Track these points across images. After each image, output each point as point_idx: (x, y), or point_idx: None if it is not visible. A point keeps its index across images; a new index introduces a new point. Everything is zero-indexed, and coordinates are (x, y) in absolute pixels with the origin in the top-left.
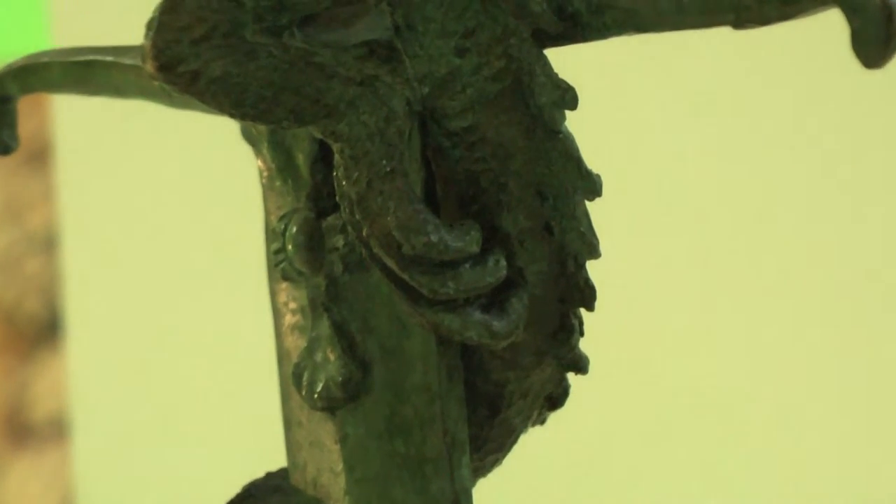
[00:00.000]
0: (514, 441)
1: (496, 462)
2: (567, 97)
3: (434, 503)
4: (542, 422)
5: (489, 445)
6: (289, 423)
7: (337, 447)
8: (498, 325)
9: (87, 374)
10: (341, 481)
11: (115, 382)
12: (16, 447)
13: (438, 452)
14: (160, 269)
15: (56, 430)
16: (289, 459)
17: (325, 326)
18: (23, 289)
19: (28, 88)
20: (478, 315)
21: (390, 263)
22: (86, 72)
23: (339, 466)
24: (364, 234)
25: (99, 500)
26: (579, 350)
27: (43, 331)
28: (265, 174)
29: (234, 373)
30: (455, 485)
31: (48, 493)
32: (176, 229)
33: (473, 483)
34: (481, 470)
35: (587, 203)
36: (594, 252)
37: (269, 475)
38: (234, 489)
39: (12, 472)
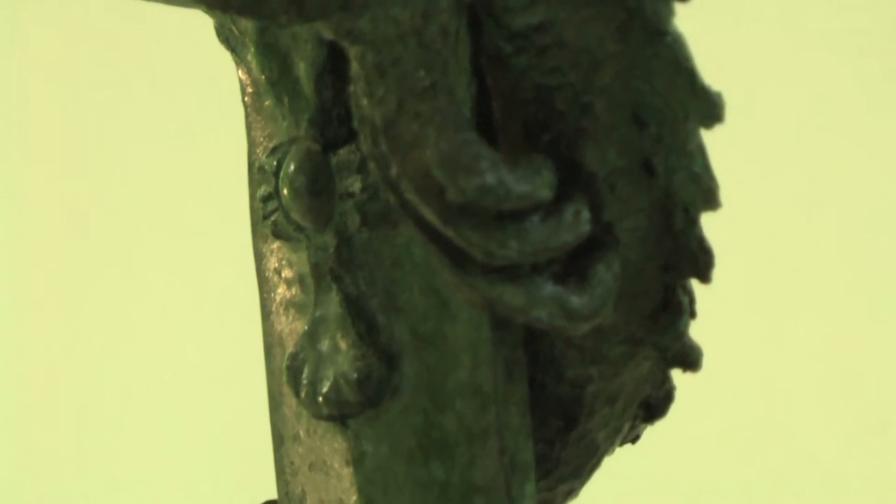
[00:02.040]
0: (597, 465)
1: (571, 493)
2: None
3: None
4: (636, 438)
5: (562, 469)
6: (280, 439)
7: (349, 471)
8: (577, 301)
9: None
10: None
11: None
12: None
13: (492, 479)
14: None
15: None
16: (279, 488)
17: (333, 303)
18: None
19: None
20: (549, 288)
21: (429, 214)
22: None
23: (353, 498)
24: (392, 173)
25: None
26: (689, 338)
27: None
28: (249, 90)
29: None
30: None
31: None
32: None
33: None
34: (551, 503)
35: (703, 133)
36: (712, 201)
37: None
38: None
39: None
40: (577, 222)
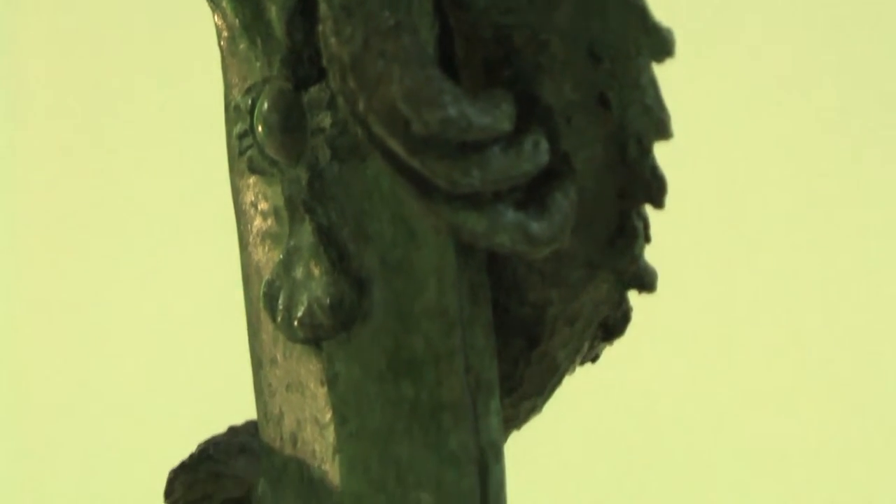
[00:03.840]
0: (558, 382)
1: (533, 409)
2: None
3: (452, 462)
4: (595, 358)
5: (525, 387)
6: (259, 363)
7: (323, 390)
8: (537, 226)
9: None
10: (330, 435)
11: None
12: None
13: (458, 396)
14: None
15: None
16: (258, 409)
17: (307, 233)
18: None
19: None
20: (510, 214)
21: (395, 146)
22: None
23: (328, 416)
24: (360, 108)
25: None
26: (644, 261)
27: None
28: (225, 34)
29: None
30: (480, 437)
31: None
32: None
33: (505, 437)
34: (514, 420)
35: (654, 67)
36: (664, 131)
37: (232, 430)
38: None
39: None
40: (535, 152)
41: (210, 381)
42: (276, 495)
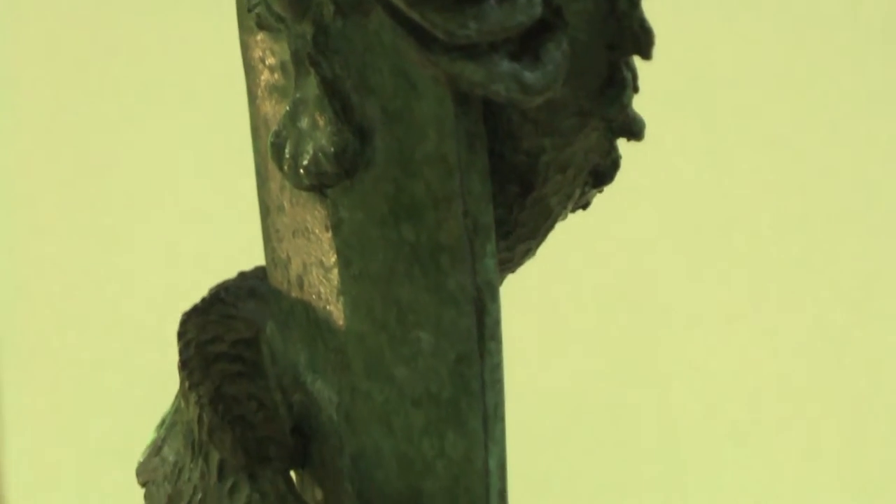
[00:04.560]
0: (551, 227)
1: (528, 252)
2: None
3: (451, 301)
4: (586, 205)
5: (520, 231)
6: (267, 210)
7: (328, 235)
8: (531, 76)
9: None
10: (334, 278)
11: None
12: None
13: (457, 239)
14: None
15: None
16: (267, 255)
17: (312, 85)
18: None
19: None
20: (505, 64)
21: (395, 0)
22: None
23: (332, 259)
24: None
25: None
26: (632, 110)
27: None
28: None
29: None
30: (477, 278)
31: None
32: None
33: (501, 278)
34: (510, 262)
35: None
36: None
37: (242, 275)
38: None
39: None
40: (529, 5)
41: (220, 230)
42: (283, 336)
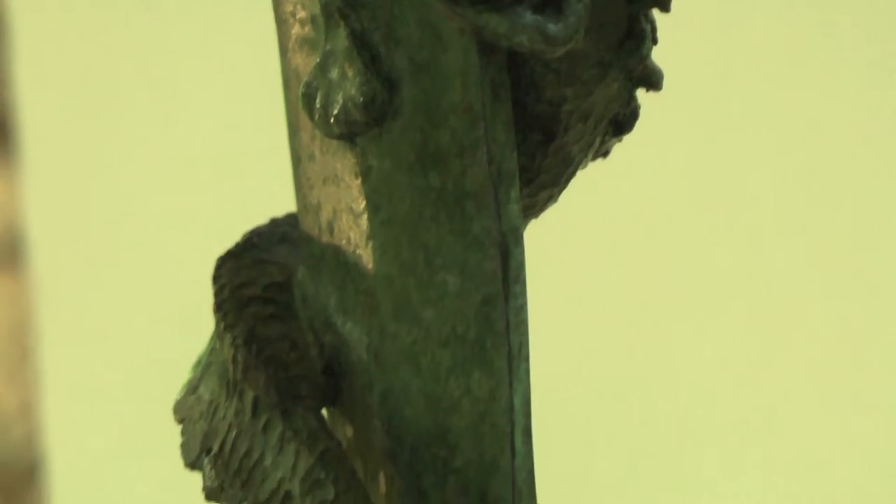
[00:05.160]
0: (573, 174)
1: (550, 199)
2: None
3: (476, 246)
4: (606, 153)
5: (543, 178)
6: (298, 159)
7: (357, 182)
8: (553, 28)
9: (41, 195)
10: (363, 223)
11: (70, 203)
12: None
13: (482, 185)
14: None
15: (10, 255)
16: (298, 201)
17: (341, 38)
18: None
19: None
20: (529, 16)
21: None
22: None
23: (361, 205)
24: None
25: (56, 324)
26: (651, 61)
27: None
28: None
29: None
30: (502, 224)
31: (3, 318)
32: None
33: (525, 223)
34: (533, 208)
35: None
36: None
37: (274, 221)
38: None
39: None
40: None
41: (251, 178)
42: (314, 280)
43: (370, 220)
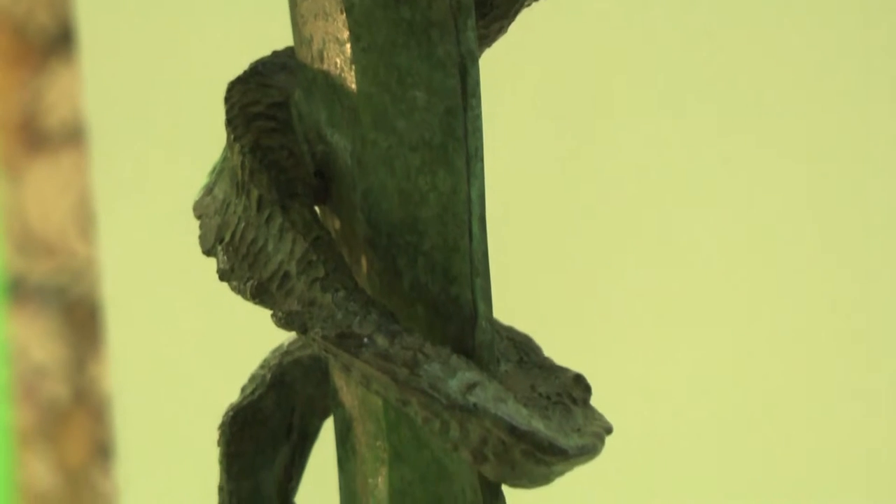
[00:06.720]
0: (520, 8)
1: (500, 30)
2: None
3: (440, 66)
4: None
5: (495, 12)
6: (295, 22)
7: (343, 16)
8: None
9: (101, 83)
10: (347, 50)
11: (128, 91)
12: (31, 153)
13: (444, 16)
14: None
15: (71, 136)
16: (294, 36)
17: None
18: (33, 2)
19: None
20: None
21: None
22: None
23: (345, 35)
24: None
25: (114, 203)
26: None
27: (55, 42)
28: None
29: None
30: (461, 48)
31: (64, 196)
32: None
33: (480, 50)
34: (486, 38)
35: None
36: None
37: (275, 53)
38: None
39: (28, 177)
40: None
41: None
42: (308, 100)
43: (353, 47)
